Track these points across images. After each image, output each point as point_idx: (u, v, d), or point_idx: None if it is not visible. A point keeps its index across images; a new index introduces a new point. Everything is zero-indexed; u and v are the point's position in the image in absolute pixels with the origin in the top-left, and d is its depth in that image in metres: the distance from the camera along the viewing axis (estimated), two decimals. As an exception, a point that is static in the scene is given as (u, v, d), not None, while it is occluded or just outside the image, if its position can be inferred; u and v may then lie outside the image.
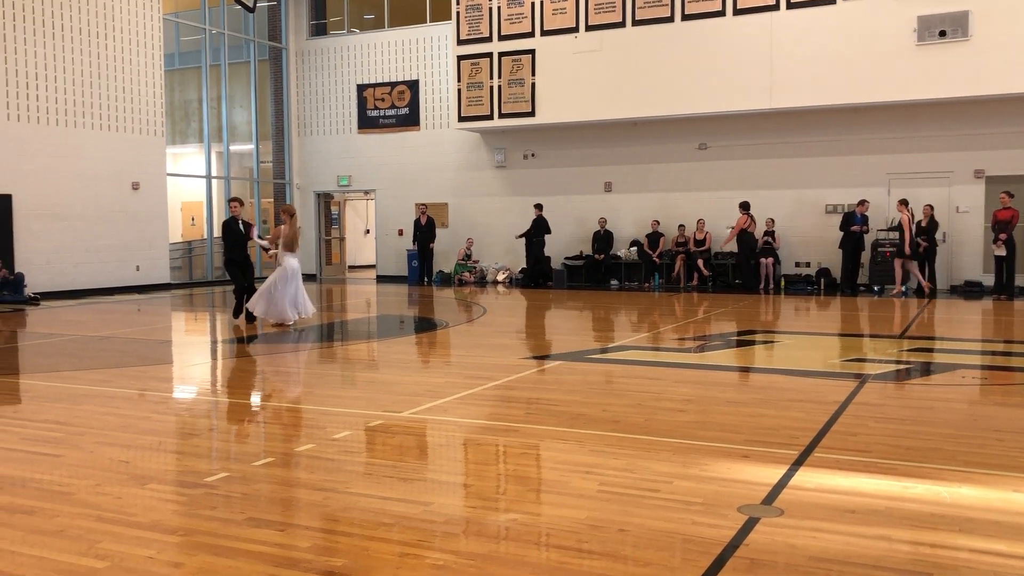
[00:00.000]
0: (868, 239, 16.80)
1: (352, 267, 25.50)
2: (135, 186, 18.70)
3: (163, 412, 6.66)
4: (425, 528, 3.86)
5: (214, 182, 21.99)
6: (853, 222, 16.55)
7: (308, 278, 23.05)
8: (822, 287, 17.29)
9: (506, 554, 3.56)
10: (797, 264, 18.02)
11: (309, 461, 5.04)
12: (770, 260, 17.36)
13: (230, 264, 12.50)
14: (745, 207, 17.42)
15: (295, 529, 3.89)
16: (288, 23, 23.19)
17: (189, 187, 23.37)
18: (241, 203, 12.64)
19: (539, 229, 19.40)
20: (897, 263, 16.11)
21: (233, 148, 22.96)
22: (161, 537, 3.77)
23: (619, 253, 19.29)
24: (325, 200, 23.75)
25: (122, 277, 18.41)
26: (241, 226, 12.32)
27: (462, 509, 4.22)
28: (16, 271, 16.20)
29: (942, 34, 15.49)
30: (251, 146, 23.23)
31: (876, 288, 16.56)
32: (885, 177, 17.23)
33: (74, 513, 4.09)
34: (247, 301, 12.04)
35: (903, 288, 16.14)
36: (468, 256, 20.51)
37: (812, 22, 16.46)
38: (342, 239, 24.82)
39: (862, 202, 16.68)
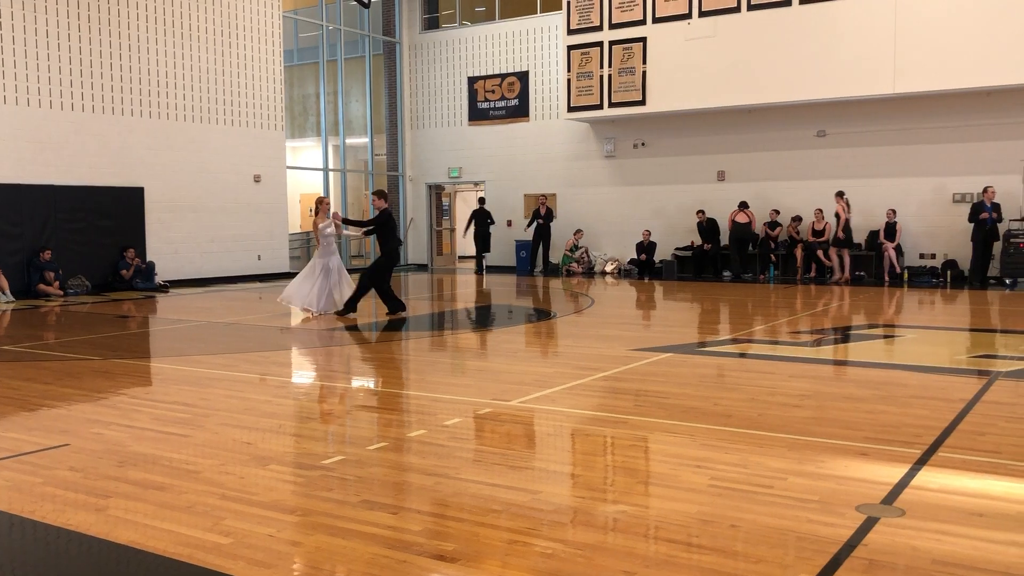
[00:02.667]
0: (1000, 229, 15.92)
1: (462, 257, 25.85)
2: (257, 179, 19.44)
3: (283, 396, 6.92)
4: (533, 516, 3.88)
5: (331, 175, 22.64)
6: (983, 211, 15.72)
7: (420, 268, 23.51)
8: (948, 279, 16.50)
9: (614, 545, 3.54)
10: (921, 256, 17.24)
11: (421, 446, 5.14)
12: (891, 250, 16.71)
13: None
14: (742, 205, 18.25)
15: (407, 512, 3.98)
16: (401, 18, 23.62)
17: (307, 179, 24.15)
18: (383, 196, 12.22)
19: (480, 220, 21.26)
20: (832, 251, 17.11)
21: (349, 141, 23.58)
22: (281, 516, 3.92)
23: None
24: (436, 192, 24.13)
25: (245, 266, 19.19)
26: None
27: (570, 499, 4.22)
28: (148, 260, 17.11)
29: (1085, 10, 14.51)
30: (366, 139, 23.81)
31: (1008, 281, 15.70)
32: (1019, 164, 16.27)
33: (201, 490, 4.30)
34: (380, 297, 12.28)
35: (840, 276, 17.09)
36: (575, 248, 20.45)
37: (938, 1, 15.68)
38: (452, 230, 25.17)
39: (986, 189, 15.84)
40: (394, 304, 12.01)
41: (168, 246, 17.70)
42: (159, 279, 17.09)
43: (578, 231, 20.48)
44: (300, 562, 3.43)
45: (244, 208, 19.20)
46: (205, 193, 18.39)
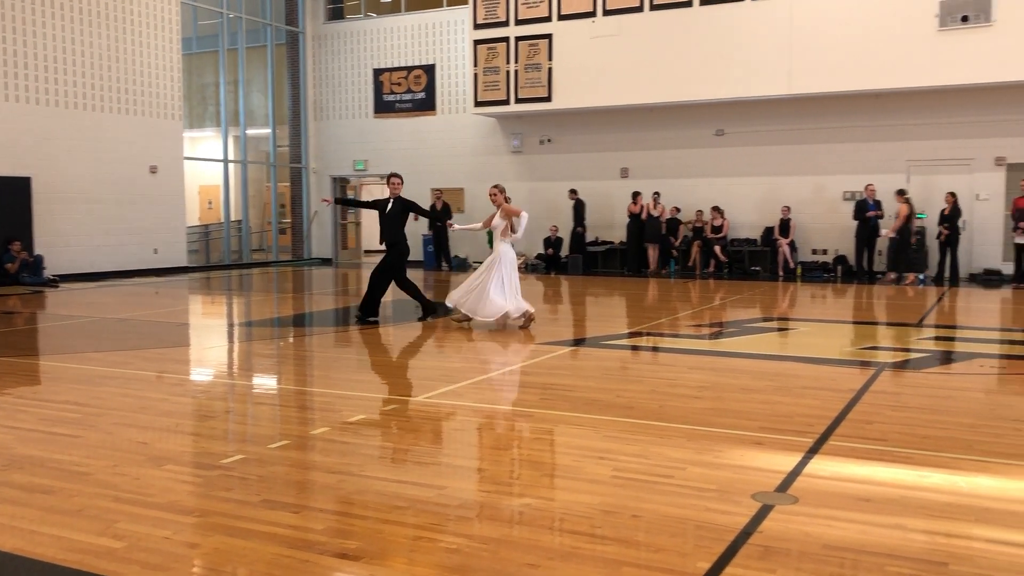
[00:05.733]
0: (884, 225, 16.65)
1: (368, 251, 25.54)
2: (153, 170, 18.78)
3: (180, 394, 6.71)
4: (439, 512, 3.87)
5: (231, 166, 22.06)
6: (867, 209, 16.44)
7: (324, 262, 23.15)
8: (839, 274, 17.19)
9: (519, 538, 3.57)
10: (814, 251, 17.91)
11: (324, 444, 5.07)
12: (786, 246, 17.32)
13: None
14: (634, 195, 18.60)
15: (310, 511, 3.92)
16: (305, 7, 23.16)
17: (206, 171, 23.46)
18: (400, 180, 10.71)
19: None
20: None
21: (250, 132, 23.00)
22: (177, 518, 3.80)
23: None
24: (341, 185, 23.78)
25: (140, 260, 18.54)
26: (390, 205, 10.49)
27: (476, 493, 4.23)
28: (35, 253, 16.33)
29: (964, 19, 15.32)
30: (268, 130, 23.28)
31: (894, 276, 16.44)
32: (905, 164, 17.08)
33: (92, 493, 4.13)
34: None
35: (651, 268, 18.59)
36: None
37: (832, 7, 16.31)
38: (358, 224, 24.85)
39: (867, 187, 16.59)
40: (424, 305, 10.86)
41: (58, 239, 16.93)
42: (48, 273, 16.33)
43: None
44: (199, 564, 3.34)
45: (140, 200, 18.52)
46: (98, 184, 17.66)
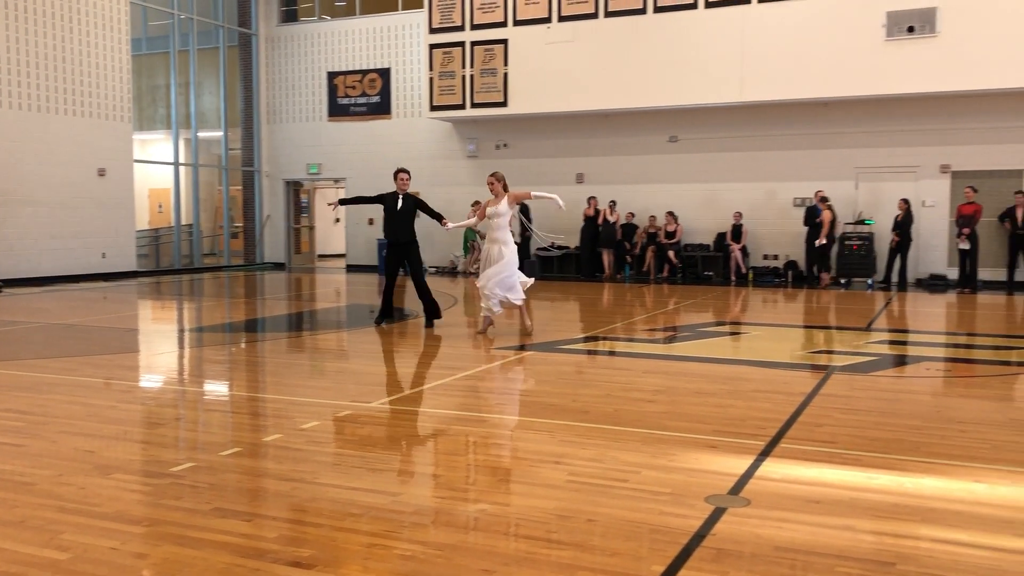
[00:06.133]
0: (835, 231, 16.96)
1: (322, 256, 25.35)
2: (101, 172, 18.42)
3: (129, 401, 6.58)
4: (393, 519, 3.85)
5: (182, 169, 21.72)
6: (816, 215, 16.73)
7: (278, 267, 22.90)
8: (790, 279, 17.46)
9: (475, 544, 3.56)
10: (765, 257, 18.17)
11: (277, 451, 5.00)
12: (738, 251, 17.55)
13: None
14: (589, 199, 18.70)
15: (262, 520, 3.86)
16: (258, 9, 22.92)
17: (157, 174, 23.08)
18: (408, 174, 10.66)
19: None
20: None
21: (201, 135, 22.68)
22: (125, 528, 3.72)
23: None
24: (294, 188, 23.56)
25: (88, 264, 18.16)
26: (401, 202, 10.54)
27: (431, 499, 4.21)
28: (-22, 257, 15.92)
29: (910, 30, 15.68)
30: (219, 133, 22.96)
31: (843, 281, 16.75)
32: (853, 171, 17.41)
33: (35, 504, 4.03)
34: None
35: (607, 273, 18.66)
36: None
37: (783, 16, 16.58)
38: (312, 228, 24.64)
39: (817, 193, 16.88)
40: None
41: (2, 242, 16.51)
42: (-9, 278, 15.94)
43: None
44: (147, 575, 3.27)
45: (87, 203, 18.15)
46: (43, 187, 17.27)
